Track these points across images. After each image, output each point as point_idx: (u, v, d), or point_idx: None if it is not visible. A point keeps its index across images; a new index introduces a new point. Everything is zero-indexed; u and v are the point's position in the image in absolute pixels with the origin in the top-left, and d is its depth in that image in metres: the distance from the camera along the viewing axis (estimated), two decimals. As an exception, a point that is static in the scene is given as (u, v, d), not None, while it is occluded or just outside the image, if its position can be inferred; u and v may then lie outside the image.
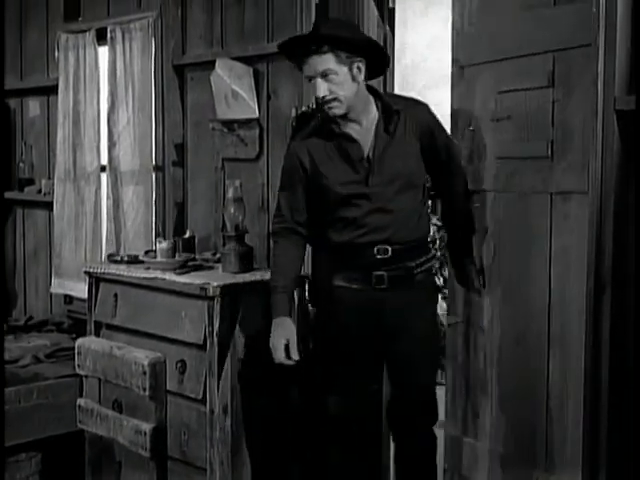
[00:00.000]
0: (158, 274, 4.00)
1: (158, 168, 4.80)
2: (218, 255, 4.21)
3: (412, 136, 3.32)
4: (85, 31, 5.16)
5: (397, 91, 4.04)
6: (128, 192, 4.92)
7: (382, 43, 3.90)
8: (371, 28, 3.91)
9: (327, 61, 3.21)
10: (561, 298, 3.13)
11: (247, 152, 4.39)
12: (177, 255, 4.18)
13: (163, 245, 4.11)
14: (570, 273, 3.08)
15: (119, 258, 4.34)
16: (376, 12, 3.93)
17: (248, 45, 4.38)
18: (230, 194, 4.07)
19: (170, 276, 3.96)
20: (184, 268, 4.03)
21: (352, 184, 3.31)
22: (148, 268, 4.10)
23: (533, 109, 3.22)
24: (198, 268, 4.10)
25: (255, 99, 4.32)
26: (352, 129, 3.33)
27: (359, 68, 3.25)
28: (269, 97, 4.30)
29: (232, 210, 4.05)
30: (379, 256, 3.30)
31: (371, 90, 3.37)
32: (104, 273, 4.25)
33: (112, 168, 4.96)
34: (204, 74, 4.52)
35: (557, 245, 3.14)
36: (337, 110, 3.28)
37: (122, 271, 4.17)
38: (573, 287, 3.05)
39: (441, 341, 3.77)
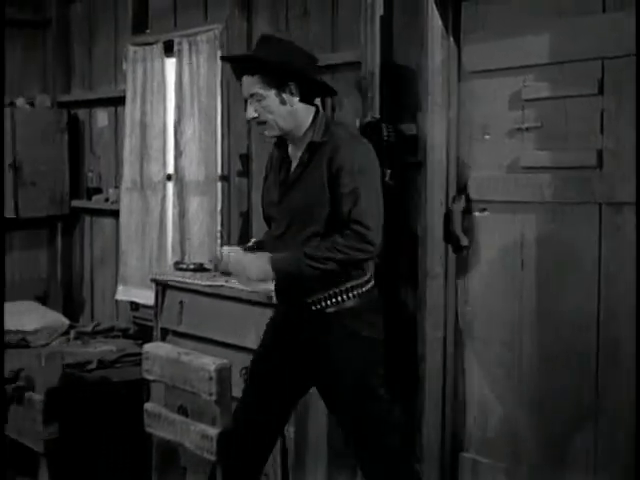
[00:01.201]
0: (224, 282, 4.06)
1: (223, 178, 4.88)
2: (282, 264, 4.24)
3: (322, 173, 3.17)
4: (153, 43, 5.26)
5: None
6: (193, 201, 5.00)
7: (445, 54, 3.91)
8: (434, 39, 3.92)
9: (255, 84, 3.17)
10: (610, 313, 3.12)
11: (312, 162, 4.43)
12: (242, 263, 4.22)
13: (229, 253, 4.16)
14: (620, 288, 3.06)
15: (185, 266, 4.42)
16: (440, 22, 3.94)
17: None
18: (294, 204, 4.11)
19: (235, 284, 4.01)
20: (249, 276, 4.08)
21: (272, 205, 3.32)
22: (214, 276, 4.16)
23: (574, 117, 3.18)
24: (263, 276, 4.14)
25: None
26: (291, 149, 3.29)
27: (291, 92, 3.18)
28: (333, 108, 4.34)
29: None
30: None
31: (321, 115, 3.27)
32: (170, 281, 4.32)
33: (178, 178, 5.05)
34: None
35: (607, 255, 3.12)
36: (268, 132, 3.26)
37: (188, 279, 4.24)
38: (623, 302, 3.03)
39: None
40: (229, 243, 4.66)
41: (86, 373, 4.54)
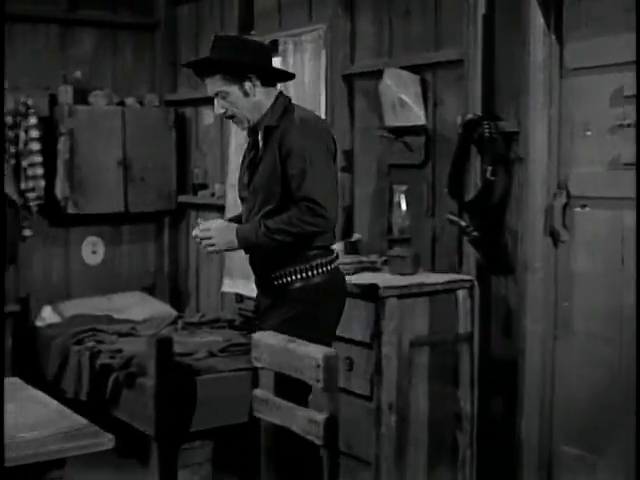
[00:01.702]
0: (327, 275, 4.17)
1: (326, 174, 4.98)
2: (384, 258, 4.35)
3: (275, 155, 3.44)
4: (258, 43, 5.40)
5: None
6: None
7: (547, 52, 3.94)
8: (536, 37, 3.96)
9: (216, 83, 3.47)
10: None
11: (413, 158, 4.52)
12: (345, 257, 4.34)
13: (333, 247, 4.28)
14: None
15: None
16: (542, 20, 3.98)
17: (415, 55, 4.51)
18: (396, 199, 4.22)
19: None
20: (352, 269, 4.19)
21: (243, 186, 3.61)
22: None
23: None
24: (365, 270, 4.26)
25: (422, 107, 4.45)
26: (260, 134, 3.52)
27: (252, 83, 3.45)
28: (435, 105, 4.42)
29: (398, 214, 4.20)
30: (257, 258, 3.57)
31: (280, 99, 3.53)
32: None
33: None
34: (372, 83, 4.68)
35: None
36: (240, 125, 3.58)
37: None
38: None
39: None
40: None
41: (195, 361, 4.70)
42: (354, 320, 4.01)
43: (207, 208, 6.06)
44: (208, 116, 6.10)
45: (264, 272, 3.55)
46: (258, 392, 3.24)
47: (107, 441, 2.47)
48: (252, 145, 3.61)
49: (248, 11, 5.68)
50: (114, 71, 6.41)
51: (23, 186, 5.83)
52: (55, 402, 2.88)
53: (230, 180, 5.55)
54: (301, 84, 5.07)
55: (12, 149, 5.82)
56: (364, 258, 4.44)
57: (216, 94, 3.49)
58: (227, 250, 3.60)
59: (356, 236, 4.65)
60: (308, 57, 5.04)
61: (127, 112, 6.14)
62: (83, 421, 2.61)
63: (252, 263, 3.62)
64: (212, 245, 3.49)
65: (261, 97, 3.49)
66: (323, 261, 3.51)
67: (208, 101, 6.00)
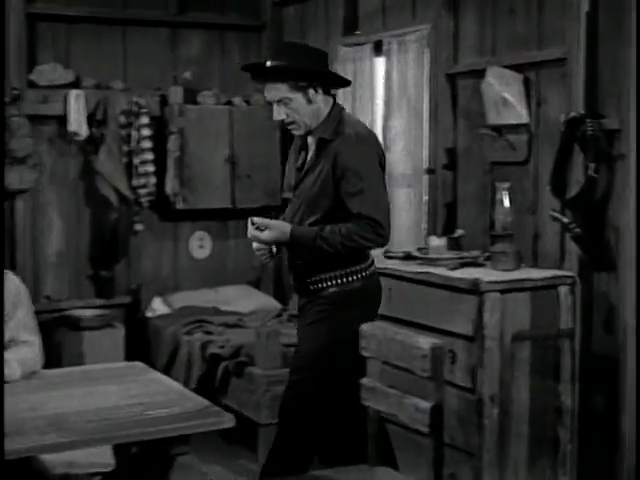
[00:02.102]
0: (431, 269, 4.29)
1: (429, 171, 5.10)
2: (486, 253, 4.43)
3: (328, 171, 3.46)
4: (362, 44, 5.54)
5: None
6: (400, 193, 5.25)
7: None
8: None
9: (281, 90, 3.45)
10: None
11: (516, 156, 4.59)
12: (448, 252, 4.45)
13: (436, 242, 4.40)
14: None
15: (393, 254, 4.66)
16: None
17: (518, 53, 4.57)
18: (499, 196, 4.30)
19: (442, 271, 4.23)
20: (455, 264, 4.29)
21: (289, 187, 3.66)
22: (421, 264, 4.39)
23: None
24: (468, 265, 4.35)
25: (525, 105, 4.51)
26: (309, 138, 3.57)
27: (315, 90, 3.46)
28: (539, 103, 4.48)
29: (501, 211, 4.28)
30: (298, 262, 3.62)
31: (336, 109, 3.56)
32: (380, 268, 4.57)
33: (385, 171, 5.28)
34: (475, 82, 4.76)
35: None
36: (297, 132, 3.58)
37: (397, 266, 4.48)
38: None
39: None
40: (435, 233, 4.88)
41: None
42: (457, 314, 4.11)
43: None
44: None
45: (302, 276, 3.61)
46: (366, 381, 3.38)
47: (228, 420, 2.63)
48: (301, 147, 3.66)
49: (352, 12, 5.80)
50: (222, 71, 6.60)
51: (135, 183, 6.09)
52: (176, 384, 3.06)
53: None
54: (404, 83, 5.19)
55: (125, 147, 6.08)
56: (466, 254, 4.52)
57: (279, 100, 3.49)
58: (274, 243, 3.57)
59: (459, 232, 4.73)
60: (412, 57, 5.14)
61: (234, 111, 6.33)
62: (205, 402, 2.78)
63: (290, 267, 3.69)
64: (257, 237, 3.52)
65: (321, 104, 3.52)
66: (359, 267, 3.59)
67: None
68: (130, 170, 6.08)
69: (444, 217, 4.99)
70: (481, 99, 4.68)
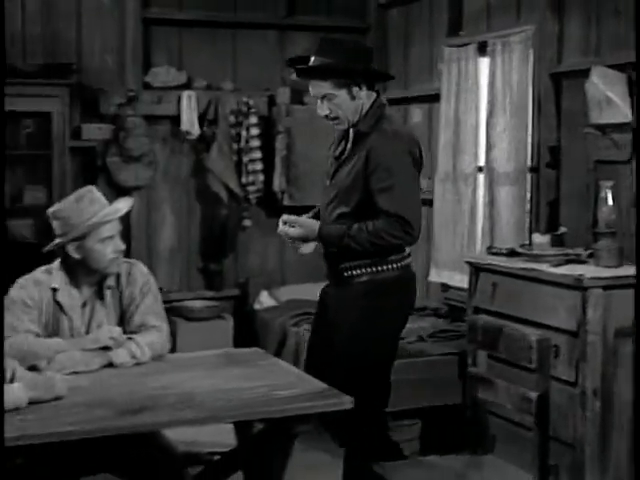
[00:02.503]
0: (535, 265, 4.38)
1: (532, 169, 5.18)
2: (589, 250, 4.50)
3: (361, 164, 3.50)
4: (467, 44, 5.64)
5: None
6: (503, 191, 5.33)
7: None
8: None
9: (324, 87, 3.50)
10: None
11: (620, 155, 4.64)
12: (551, 249, 4.54)
13: (540, 239, 4.50)
14: None
15: (497, 250, 4.77)
16: None
17: (623, 53, 4.62)
18: (603, 194, 4.38)
19: (546, 268, 4.32)
20: (559, 261, 4.38)
21: (327, 176, 3.71)
22: (525, 260, 4.49)
23: None
24: (571, 261, 4.43)
25: (629, 105, 4.56)
26: (351, 130, 3.61)
27: (359, 86, 3.50)
28: (641, 102, 4.53)
29: (605, 209, 4.36)
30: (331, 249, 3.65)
31: (377, 104, 3.58)
32: (484, 264, 4.71)
33: (489, 169, 5.41)
34: (579, 82, 4.82)
35: None
36: (340, 126, 3.63)
37: (500, 262, 4.60)
38: None
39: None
40: (538, 230, 4.97)
41: (407, 345, 5.01)
42: (560, 309, 4.20)
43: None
44: (417, 114, 6.38)
45: (335, 263, 3.64)
46: (473, 370, 3.52)
47: (347, 402, 2.80)
48: (341, 139, 3.71)
49: (457, 13, 5.91)
50: (328, 72, 6.78)
51: (244, 180, 6.33)
52: (294, 368, 3.25)
53: (439, 175, 5.82)
54: (508, 83, 5.27)
55: (235, 146, 6.32)
56: (569, 250, 4.59)
57: (323, 96, 3.54)
58: (302, 240, 3.64)
59: (562, 229, 4.81)
60: (516, 57, 5.22)
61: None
62: (323, 385, 2.95)
63: (325, 255, 3.72)
64: (287, 234, 3.62)
65: (364, 100, 3.56)
66: (393, 257, 3.59)
67: (417, 100, 6.35)
68: (239, 168, 6.32)
69: (547, 214, 5.07)
70: (585, 98, 4.74)
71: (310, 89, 3.62)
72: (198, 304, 6.16)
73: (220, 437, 3.54)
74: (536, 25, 5.12)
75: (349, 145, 3.62)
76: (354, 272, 3.59)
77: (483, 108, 5.51)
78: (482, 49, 5.52)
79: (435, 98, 5.98)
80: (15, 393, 2.70)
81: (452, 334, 5.29)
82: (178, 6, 6.43)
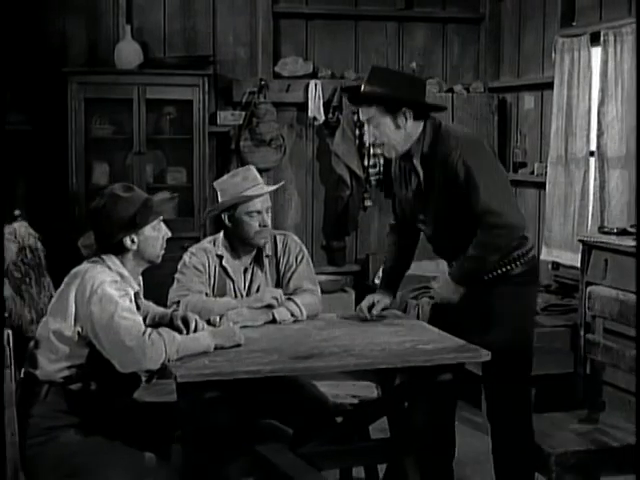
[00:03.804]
0: (645, 242, 4.71)
1: (642, 154, 5.48)
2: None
3: (442, 183, 3.57)
4: (580, 35, 5.94)
5: None
6: (614, 174, 5.63)
7: None
8: None
9: (371, 112, 3.60)
10: None
11: None
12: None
13: (650, 219, 4.81)
14: None
15: (608, 230, 5.11)
16: None
17: None
18: None
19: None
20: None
21: (413, 211, 3.79)
22: (636, 238, 4.82)
23: None
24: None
25: None
26: (414, 159, 3.65)
27: (405, 116, 3.56)
28: None
29: None
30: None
31: (429, 126, 3.61)
32: (596, 242, 5.05)
33: (600, 154, 5.71)
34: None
35: None
36: (387, 154, 3.75)
37: (612, 240, 4.94)
38: None
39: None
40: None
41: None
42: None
43: (526, 185, 6.68)
44: (528, 101, 6.71)
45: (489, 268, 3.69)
46: (590, 337, 3.89)
47: (484, 354, 3.22)
48: (408, 171, 3.71)
49: (570, 4, 6.20)
50: (444, 61, 7.19)
51: (365, 163, 6.78)
52: (433, 327, 3.68)
53: (551, 158, 6.13)
54: (620, 72, 5.56)
55: (357, 131, 6.75)
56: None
57: (369, 122, 3.62)
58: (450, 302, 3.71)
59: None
60: (628, 47, 5.49)
61: (455, 98, 6.90)
62: (461, 341, 3.38)
63: (448, 261, 3.86)
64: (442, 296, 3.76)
65: (411, 130, 3.59)
66: (520, 252, 3.68)
67: (529, 88, 6.68)
68: (361, 151, 6.76)
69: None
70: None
71: (360, 113, 3.78)
72: (322, 278, 6.62)
73: (361, 391, 4.02)
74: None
75: (422, 175, 3.65)
76: (484, 275, 3.67)
77: (595, 96, 5.79)
78: (594, 39, 5.80)
79: (547, 86, 6.30)
80: (206, 339, 3.21)
81: (563, 308, 5.66)
82: (304, 1, 6.90)
